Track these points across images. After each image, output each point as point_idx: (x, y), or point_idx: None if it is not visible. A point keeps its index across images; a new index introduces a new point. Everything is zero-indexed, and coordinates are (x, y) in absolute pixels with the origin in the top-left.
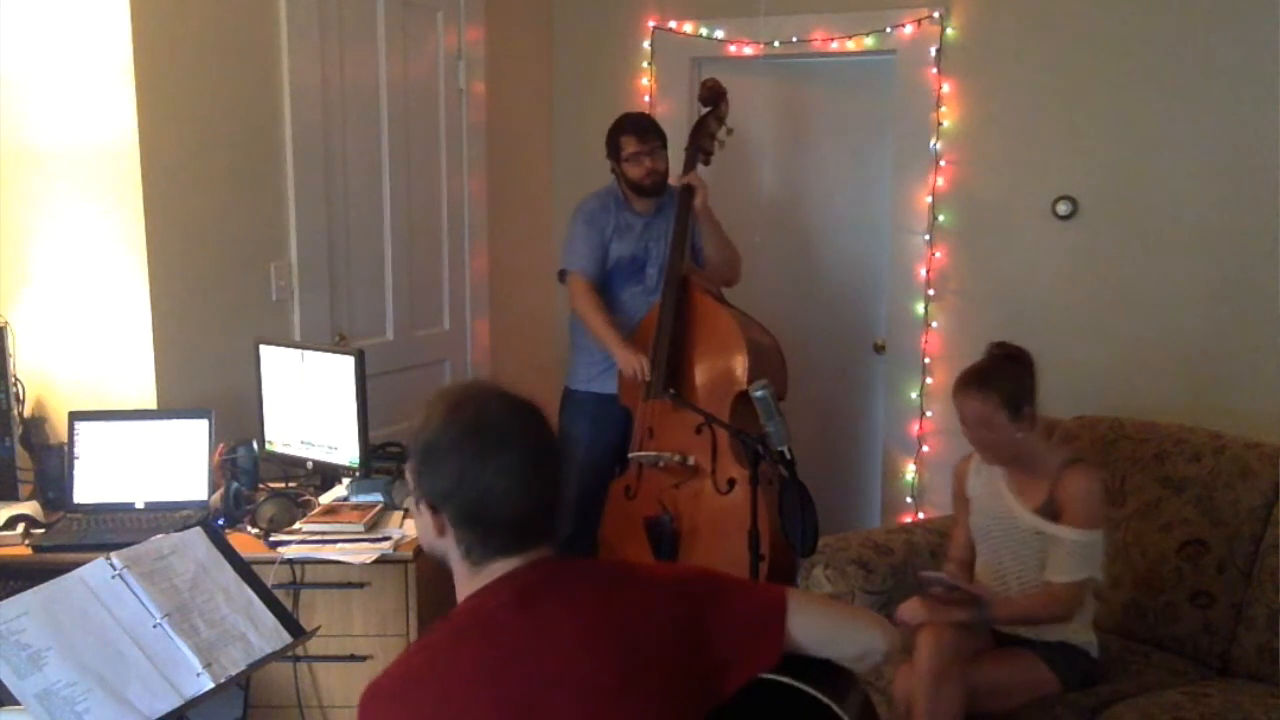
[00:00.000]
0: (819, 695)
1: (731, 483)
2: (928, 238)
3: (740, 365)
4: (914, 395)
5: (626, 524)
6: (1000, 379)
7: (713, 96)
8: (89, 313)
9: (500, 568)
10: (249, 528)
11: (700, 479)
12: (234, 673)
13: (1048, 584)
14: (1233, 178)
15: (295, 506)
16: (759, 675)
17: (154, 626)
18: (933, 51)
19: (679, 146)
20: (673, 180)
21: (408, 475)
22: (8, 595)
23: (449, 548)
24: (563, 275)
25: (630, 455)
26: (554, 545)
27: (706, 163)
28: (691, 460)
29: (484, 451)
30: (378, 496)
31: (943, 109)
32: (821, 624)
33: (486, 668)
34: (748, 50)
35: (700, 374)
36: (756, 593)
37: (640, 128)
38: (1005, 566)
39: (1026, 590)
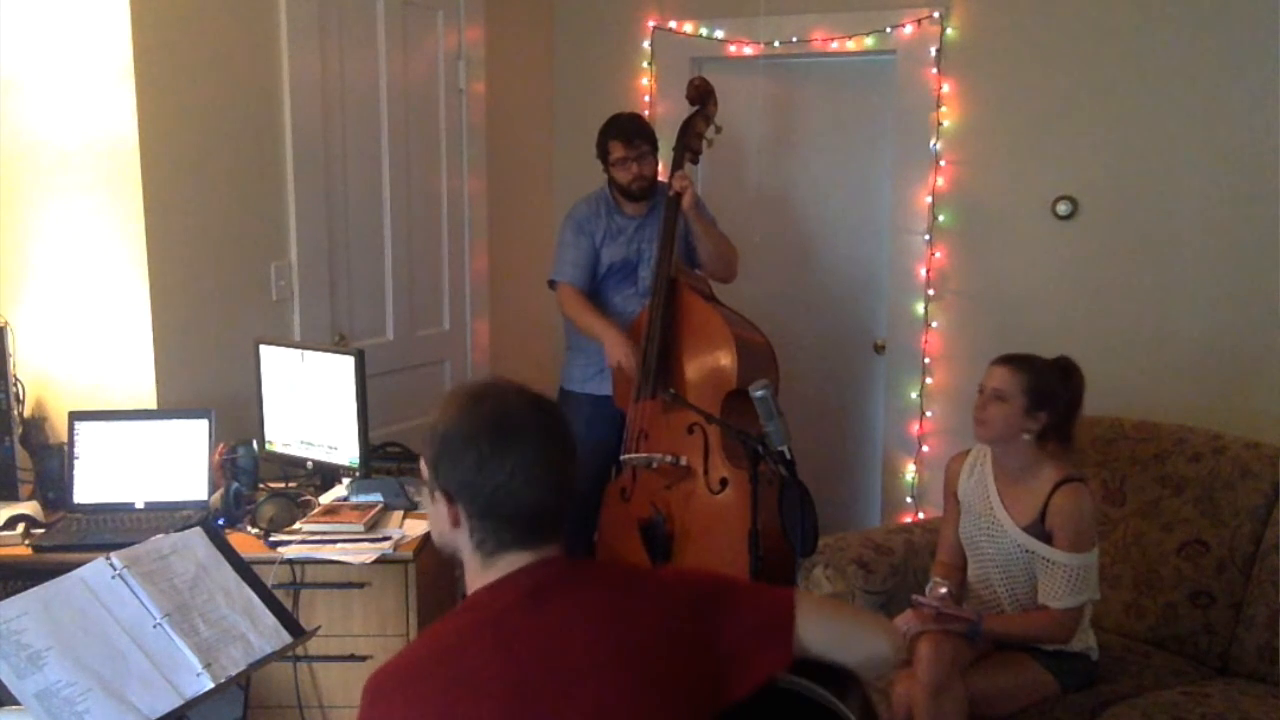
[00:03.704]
0: (824, 693)
1: (724, 482)
2: (928, 238)
3: (729, 363)
4: (914, 395)
5: (622, 526)
6: (1038, 371)
7: (700, 95)
8: (89, 313)
9: (512, 562)
10: (249, 528)
11: (692, 479)
12: (234, 673)
13: (1046, 609)
14: (1232, 177)
15: (295, 506)
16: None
17: (154, 626)
18: (933, 51)
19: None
20: (663, 178)
21: (423, 466)
22: (8, 595)
23: (461, 540)
24: (552, 284)
25: (623, 458)
26: (563, 544)
27: (695, 161)
28: (684, 461)
29: (502, 444)
30: (378, 496)
31: (943, 109)
32: (829, 628)
33: (494, 668)
34: (747, 50)
35: (690, 373)
36: (766, 597)
37: (627, 133)
38: (993, 579)
39: (1023, 609)
